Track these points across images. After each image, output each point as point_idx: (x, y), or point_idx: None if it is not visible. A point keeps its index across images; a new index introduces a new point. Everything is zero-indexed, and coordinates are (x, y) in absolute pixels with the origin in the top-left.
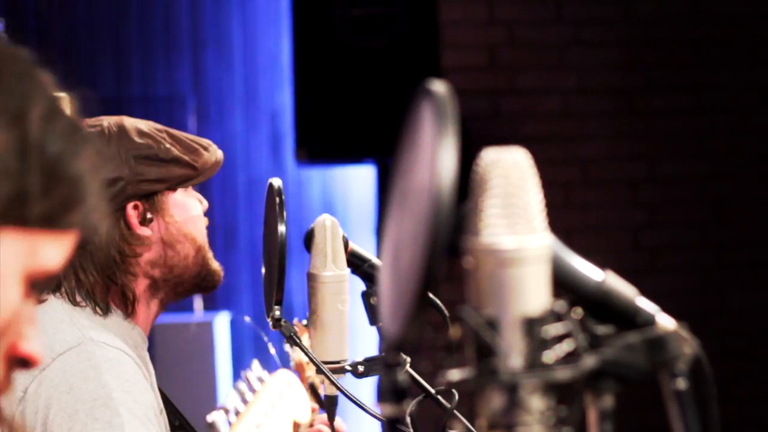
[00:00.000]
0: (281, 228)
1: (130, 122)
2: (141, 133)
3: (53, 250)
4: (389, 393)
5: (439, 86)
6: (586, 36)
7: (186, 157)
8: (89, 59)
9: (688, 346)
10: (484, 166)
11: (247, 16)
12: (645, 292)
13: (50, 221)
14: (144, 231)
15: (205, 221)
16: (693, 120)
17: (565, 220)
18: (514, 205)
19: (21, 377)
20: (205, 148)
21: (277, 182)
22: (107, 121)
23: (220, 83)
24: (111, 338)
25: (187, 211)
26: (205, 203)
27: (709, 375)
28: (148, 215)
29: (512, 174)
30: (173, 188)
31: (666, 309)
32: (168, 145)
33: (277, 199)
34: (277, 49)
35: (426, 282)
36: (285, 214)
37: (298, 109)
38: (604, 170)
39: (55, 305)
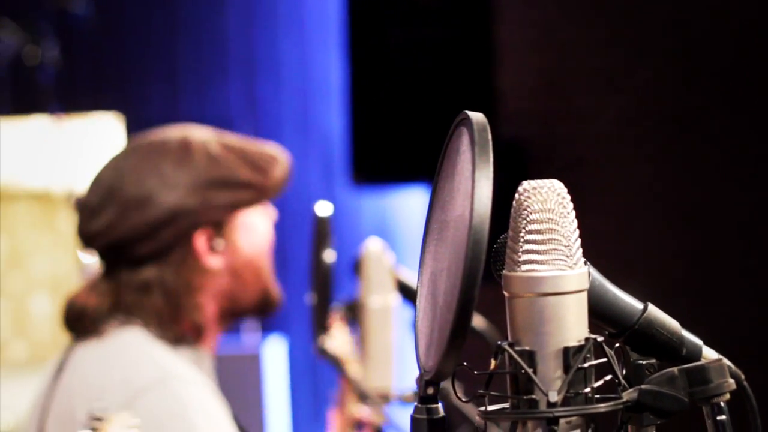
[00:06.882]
0: (327, 255)
1: (198, 139)
2: (209, 156)
3: None
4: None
5: (476, 115)
6: (640, 59)
7: (255, 179)
8: (143, 82)
9: (730, 378)
10: (521, 196)
11: (299, 39)
12: (702, 316)
13: None
14: (212, 261)
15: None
16: (747, 143)
17: (621, 245)
18: (552, 236)
19: None
20: (273, 161)
21: (323, 211)
22: (173, 139)
23: (273, 106)
24: (190, 371)
25: (254, 232)
26: (274, 213)
27: (755, 407)
28: (217, 243)
29: (550, 204)
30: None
31: (723, 334)
32: (238, 166)
33: (324, 228)
34: (329, 72)
35: (464, 315)
36: (331, 241)
37: (352, 131)
38: (660, 193)
39: (133, 336)
